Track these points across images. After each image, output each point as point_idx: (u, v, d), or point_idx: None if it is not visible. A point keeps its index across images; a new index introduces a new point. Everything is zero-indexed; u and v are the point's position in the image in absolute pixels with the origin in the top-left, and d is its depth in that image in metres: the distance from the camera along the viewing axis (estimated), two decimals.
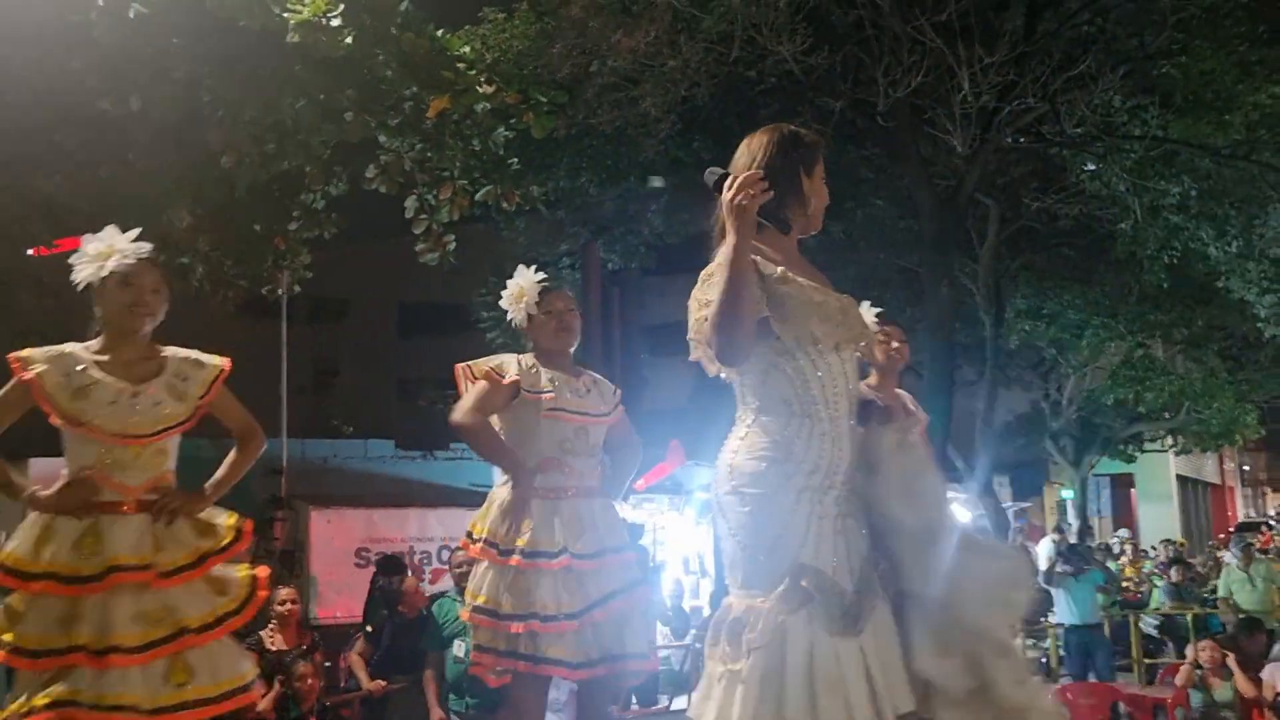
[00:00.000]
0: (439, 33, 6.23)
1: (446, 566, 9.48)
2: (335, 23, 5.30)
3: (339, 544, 9.67)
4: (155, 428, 3.00)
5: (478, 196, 6.87)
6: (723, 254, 2.32)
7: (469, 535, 3.68)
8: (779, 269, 2.40)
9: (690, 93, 9.96)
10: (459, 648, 6.01)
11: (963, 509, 14.83)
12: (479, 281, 14.44)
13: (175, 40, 5.64)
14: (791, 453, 2.36)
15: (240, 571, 3.10)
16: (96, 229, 3.12)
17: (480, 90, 6.12)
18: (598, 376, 3.86)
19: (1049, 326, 16.62)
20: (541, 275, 3.90)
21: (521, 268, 3.94)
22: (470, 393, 3.65)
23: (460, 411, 3.61)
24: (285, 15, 5.30)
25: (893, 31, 9.71)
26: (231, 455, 3.28)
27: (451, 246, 6.91)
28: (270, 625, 6.89)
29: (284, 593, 6.94)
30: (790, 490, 2.34)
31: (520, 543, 3.51)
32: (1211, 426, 20.14)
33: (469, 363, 3.77)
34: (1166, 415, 20.02)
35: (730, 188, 2.32)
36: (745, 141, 2.55)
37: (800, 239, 2.57)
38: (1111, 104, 10.62)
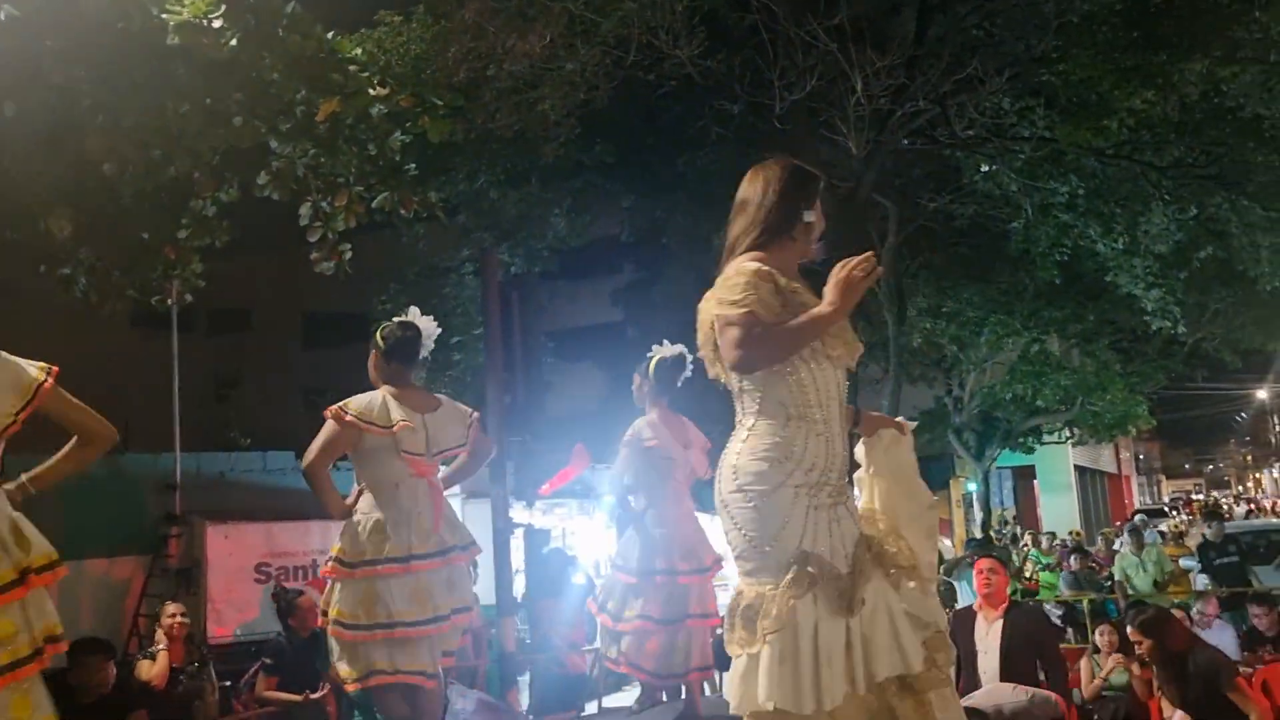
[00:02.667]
0: (329, 35, 6.12)
1: None
2: (217, 24, 5.18)
3: (237, 560, 9.43)
4: None
5: (374, 203, 6.75)
6: (816, 311, 2.61)
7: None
8: (795, 284, 2.72)
9: (589, 96, 9.96)
10: None
11: None
12: (380, 288, 14.26)
13: (49, 43, 5.45)
14: (790, 453, 2.63)
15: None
16: None
17: (372, 93, 6.02)
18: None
19: (949, 324, 17.01)
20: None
21: (422, 317, 4.31)
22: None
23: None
24: (164, 17, 5.16)
25: (786, 35, 9.84)
26: (67, 446, 3.06)
27: (348, 255, 6.76)
28: (160, 645, 6.70)
29: (171, 607, 6.77)
30: (789, 487, 2.61)
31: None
32: (1106, 418, 20.83)
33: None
34: (1063, 408, 20.62)
35: (846, 265, 2.63)
36: (753, 171, 2.87)
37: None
38: (1001, 106, 10.91)
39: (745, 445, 2.68)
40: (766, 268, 2.67)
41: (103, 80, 5.60)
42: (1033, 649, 5.78)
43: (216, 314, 22.86)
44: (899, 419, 3.17)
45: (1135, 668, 6.74)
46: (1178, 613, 7.94)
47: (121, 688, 6.13)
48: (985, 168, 12.40)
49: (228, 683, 7.08)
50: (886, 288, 13.77)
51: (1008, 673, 5.62)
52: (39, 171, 5.94)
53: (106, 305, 7.35)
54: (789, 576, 2.57)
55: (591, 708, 8.24)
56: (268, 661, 6.49)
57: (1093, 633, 8.45)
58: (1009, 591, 6.33)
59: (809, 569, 2.58)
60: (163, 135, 5.99)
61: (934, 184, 13.63)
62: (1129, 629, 6.24)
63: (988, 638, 5.94)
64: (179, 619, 6.65)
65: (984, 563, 6.30)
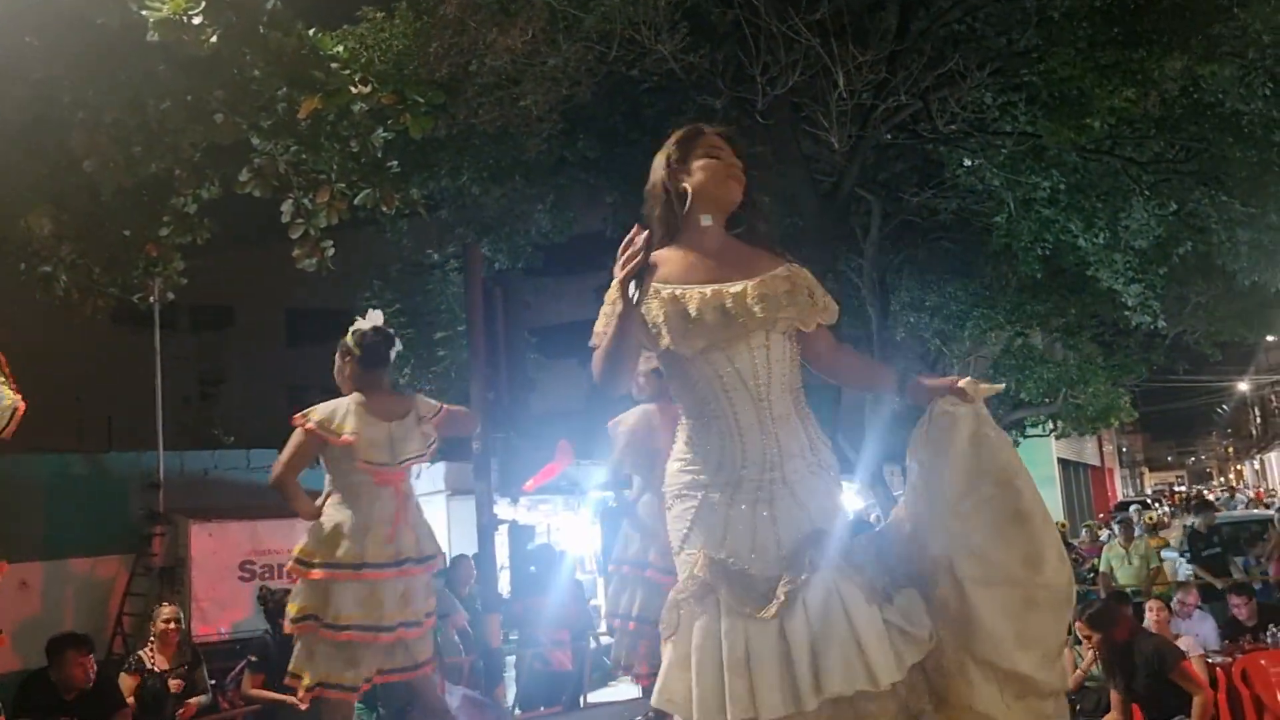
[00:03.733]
0: (310, 31, 6.10)
1: None
2: (197, 20, 5.15)
3: (222, 558, 9.40)
4: None
5: (356, 200, 6.74)
6: (612, 319, 2.47)
7: None
8: (667, 289, 2.52)
9: (572, 91, 9.94)
10: None
11: (854, 498, 15.16)
12: (363, 285, 14.24)
13: (28, 39, 5.42)
14: (699, 454, 2.52)
15: None
16: None
17: (353, 90, 6.01)
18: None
19: (933, 318, 17.04)
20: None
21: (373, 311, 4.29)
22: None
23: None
24: (144, 13, 5.13)
25: (769, 30, 9.84)
26: None
27: (330, 252, 6.76)
28: (150, 644, 6.70)
29: (166, 611, 6.75)
30: (697, 489, 2.50)
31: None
32: (1089, 410, 20.90)
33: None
34: (1046, 401, 20.67)
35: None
36: None
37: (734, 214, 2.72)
38: (983, 101, 10.93)
39: (674, 449, 2.62)
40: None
41: (82, 77, 5.57)
42: None
43: (199, 312, 22.78)
44: (962, 380, 2.65)
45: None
46: (1155, 603, 8.02)
47: (104, 684, 6.11)
48: (968, 162, 12.42)
49: (213, 681, 7.07)
50: (870, 282, 13.81)
51: None
52: (19, 169, 5.91)
53: (88, 304, 7.32)
54: (681, 579, 2.49)
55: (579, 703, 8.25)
56: (253, 659, 6.47)
57: (1074, 624, 8.52)
58: None
59: (701, 573, 2.43)
60: (143, 132, 5.97)
61: (917, 179, 13.65)
62: (1077, 624, 6.31)
63: None
64: (173, 624, 6.65)
65: None
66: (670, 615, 2.49)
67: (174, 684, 6.38)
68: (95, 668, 6.05)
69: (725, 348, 2.50)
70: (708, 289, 2.50)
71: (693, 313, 2.48)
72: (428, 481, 11.36)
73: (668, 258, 2.58)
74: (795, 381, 2.60)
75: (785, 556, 2.42)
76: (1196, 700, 5.70)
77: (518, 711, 8.04)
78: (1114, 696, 6.08)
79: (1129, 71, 9.32)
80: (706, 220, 2.64)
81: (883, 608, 2.42)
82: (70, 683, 5.75)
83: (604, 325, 2.52)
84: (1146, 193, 11.56)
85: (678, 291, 2.51)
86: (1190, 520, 19.79)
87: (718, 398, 2.51)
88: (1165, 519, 27.72)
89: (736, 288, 2.50)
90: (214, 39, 5.24)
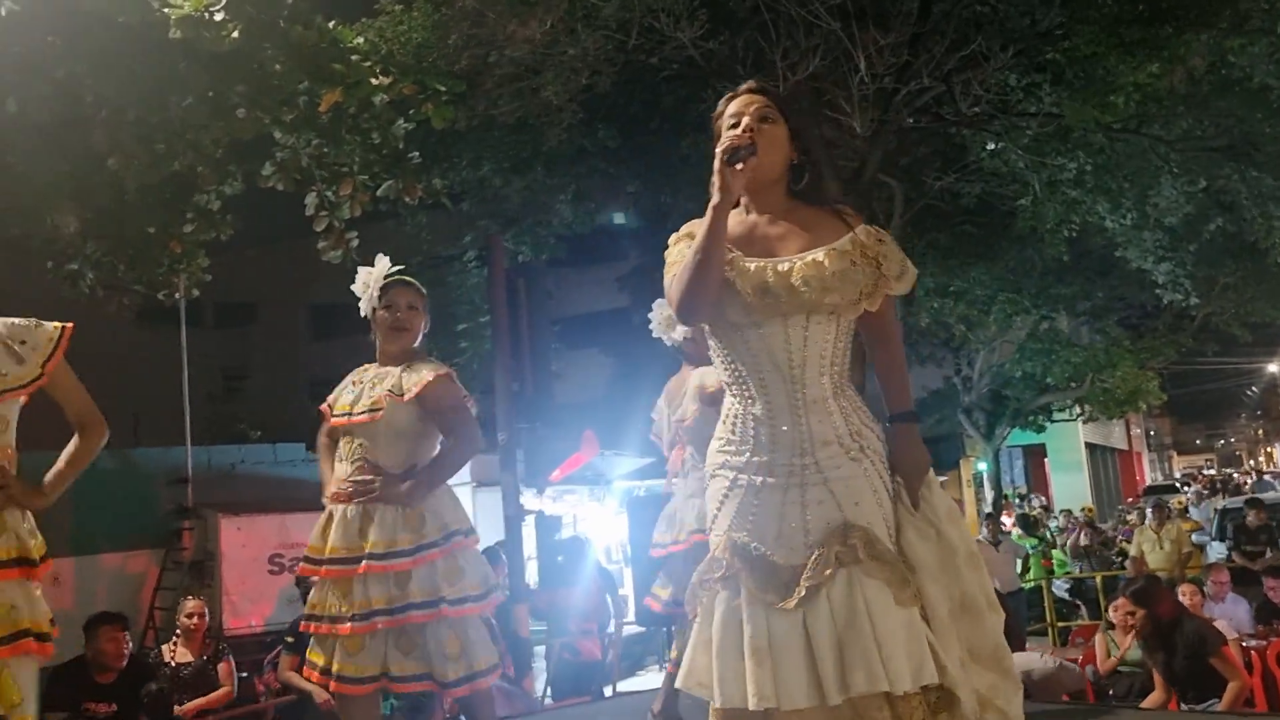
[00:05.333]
0: (330, 24, 6.11)
1: None
2: (219, 17, 5.16)
3: (251, 551, 9.45)
4: None
5: (379, 192, 6.75)
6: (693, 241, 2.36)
7: None
8: (762, 218, 2.45)
9: (591, 81, 9.91)
10: None
11: None
12: None
13: (51, 39, 5.44)
14: (732, 432, 2.43)
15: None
16: None
17: (374, 82, 6.01)
18: (423, 364, 3.53)
19: (957, 303, 16.93)
20: (394, 268, 3.64)
21: (379, 256, 3.68)
22: None
23: None
24: (166, 10, 5.14)
25: (789, 15, 9.77)
26: (71, 446, 2.92)
27: (355, 244, 6.78)
28: (175, 638, 6.75)
29: (191, 605, 6.79)
30: (730, 470, 2.41)
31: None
32: (1116, 394, 20.76)
33: None
34: (1073, 385, 20.55)
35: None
36: None
37: (772, 186, 2.48)
38: (1006, 83, 10.82)
39: (716, 428, 2.52)
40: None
41: (105, 75, 5.59)
42: None
43: (223, 308, 22.94)
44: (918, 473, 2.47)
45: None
46: (1189, 587, 7.94)
47: (137, 665, 6.16)
48: (991, 145, 12.30)
49: (245, 674, 7.11)
50: None
51: None
52: (43, 167, 5.94)
53: (113, 301, 7.38)
54: (705, 561, 2.43)
55: (607, 692, 8.26)
56: (289, 640, 6.46)
57: (1106, 609, 8.44)
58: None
59: (723, 555, 2.37)
60: (166, 129, 5.99)
61: (940, 162, 13.53)
62: (1120, 599, 6.25)
63: None
64: (196, 618, 6.69)
65: None
66: (693, 596, 2.45)
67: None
68: (130, 645, 6.10)
69: (762, 325, 2.37)
70: (754, 264, 2.37)
71: (737, 285, 2.35)
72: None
73: (731, 220, 2.43)
74: (838, 362, 2.42)
75: (811, 546, 2.31)
76: (1232, 686, 5.64)
77: (548, 701, 8.05)
78: (1157, 676, 6.03)
79: (1154, 48, 9.20)
80: (744, 199, 2.48)
81: (912, 612, 2.30)
82: (104, 659, 5.79)
83: (676, 258, 2.43)
84: (1175, 170, 11.43)
85: (738, 256, 2.39)
86: (1220, 503, 19.63)
87: (751, 376, 2.40)
88: (1191, 501, 27.47)
89: (785, 265, 2.35)
90: (235, 35, 5.25)
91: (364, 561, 3.32)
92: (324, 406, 3.62)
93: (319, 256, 6.68)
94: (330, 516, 3.44)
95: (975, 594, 2.45)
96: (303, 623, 3.48)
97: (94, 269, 6.95)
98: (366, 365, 3.64)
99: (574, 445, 9.92)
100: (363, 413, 3.44)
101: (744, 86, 2.51)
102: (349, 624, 3.31)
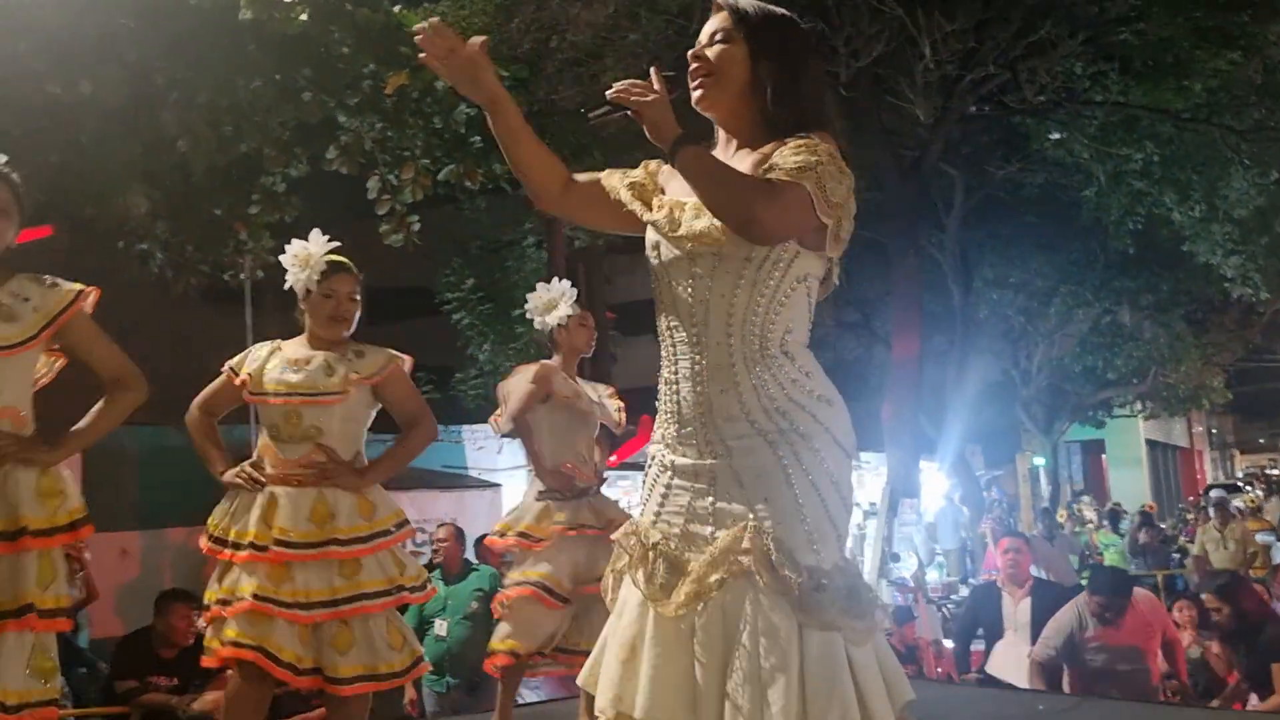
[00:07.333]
0: (395, 8, 6.16)
1: (420, 549, 9.42)
2: None
3: None
4: None
5: (440, 176, 6.81)
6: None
7: None
8: (665, 197, 2.10)
9: (652, 66, 9.87)
10: (440, 626, 6.01)
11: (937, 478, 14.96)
12: (444, 263, 14.38)
13: (124, 22, 5.55)
14: (659, 400, 2.07)
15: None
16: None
17: None
18: (369, 349, 3.39)
19: (1017, 294, 16.74)
20: (331, 245, 3.44)
21: (315, 233, 3.46)
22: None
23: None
24: None
25: (853, 1, 9.68)
26: (99, 405, 2.77)
27: (416, 227, 6.85)
28: None
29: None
30: (654, 444, 2.09)
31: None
32: (1179, 391, 20.39)
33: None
34: (1135, 381, 20.22)
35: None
36: None
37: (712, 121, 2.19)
38: (1073, 70, 10.64)
39: None
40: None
41: (176, 58, 5.68)
42: None
43: (282, 290, 23.24)
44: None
45: (1215, 645, 6.62)
46: (1257, 588, 7.77)
47: (200, 642, 6.25)
48: (1055, 134, 12.12)
49: None
50: (952, 258, 13.57)
51: None
52: (116, 150, 6.06)
53: (181, 281, 7.51)
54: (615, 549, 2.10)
55: None
56: None
57: (1169, 609, 8.29)
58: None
59: (625, 539, 2.06)
60: (234, 111, 6.08)
61: (1002, 151, 13.36)
62: (1205, 596, 6.13)
63: (1015, 615, 5.90)
64: None
65: (1007, 541, 6.25)
66: (605, 587, 2.14)
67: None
68: (198, 624, 6.20)
69: (670, 271, 2.01)
70: (667, 199, 2.05)
71: (649, 234, 2.06)
72: (509, 457, 11.43)
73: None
74: (756, 322, 1.95)
75: (682, 535, 1.97)
76: None
77: None
78: (1232, 675, 5.92)
79: (1230, 35, 8.99)
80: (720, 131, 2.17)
81: (808, 636, 1.86)
82: (171, 636, 5.88)
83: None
84: (1246, 161, 11.19)
85: (660, 204, 2.07)
86: None
87: (666, 333, 2.04)
88: (1259, 501, 26.89)
89: (691, 200, 1.99)
90: (303, 17, 5.32)
91: (328, 547, 3.14)
92: (239, 378, 3.34)
93: (376, 239, 6.75)
94: (272, 498, 3.20)
95: None
96: (215, 607, 3.21)
97: (163, 250, 7.08)
98: (280, 340, 3.44)
99: (631, 430, 9.91)
100: (320, 394, 3.26)
101: (714, 3, 2.13)
102: (290, 611, 3.11)
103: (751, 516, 1.90)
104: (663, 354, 2.05)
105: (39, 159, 6.01)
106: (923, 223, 12.48)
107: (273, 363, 3.35)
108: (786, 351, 1.98)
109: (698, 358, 1.97)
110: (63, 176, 6.13)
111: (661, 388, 2.04)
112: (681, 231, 1.96)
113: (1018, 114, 11.67)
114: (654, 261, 2.05)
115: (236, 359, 3.42)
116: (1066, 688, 5.53)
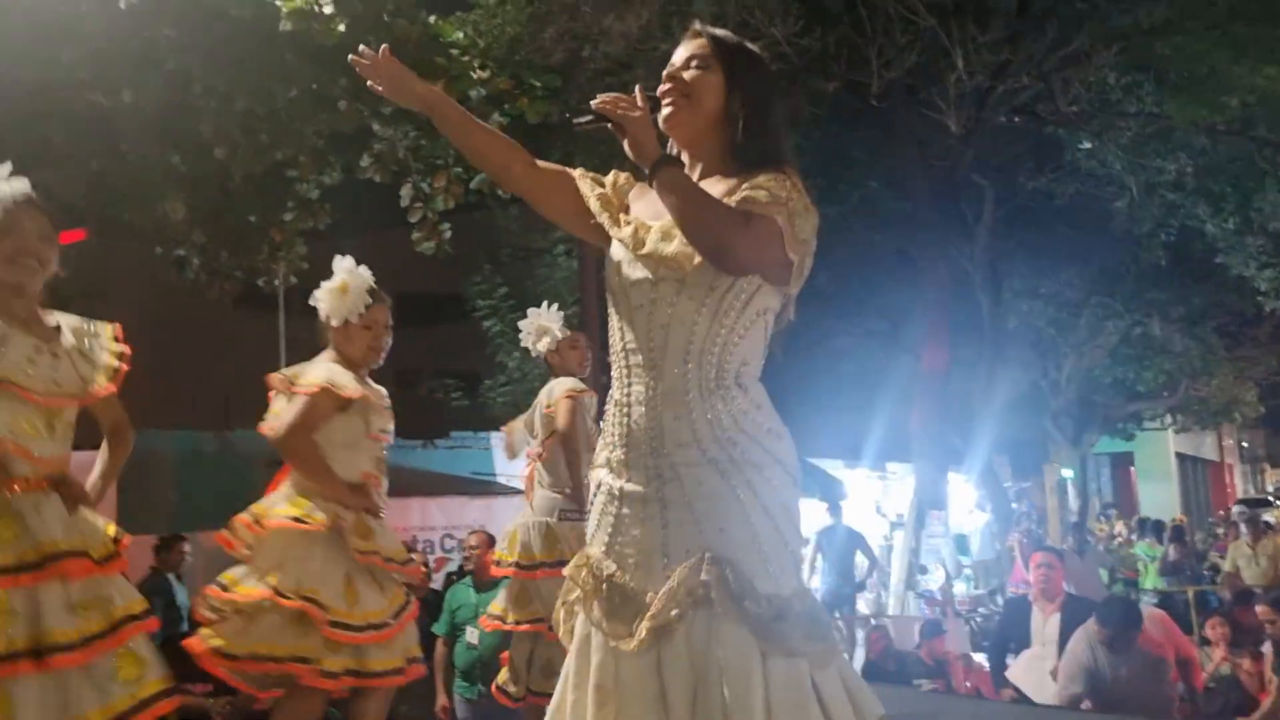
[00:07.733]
0: (431, 19, 6.21)
1: (449, 555, 9.47)
2: (328, 10, 5.29)
3: None
4: (84, 389, 2.58)
5: (472, 184, 6.86)
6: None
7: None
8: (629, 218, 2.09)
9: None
10: (471, 634, 6.02)
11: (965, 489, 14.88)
12: (475, 270, 14.43)
13: (166, 31, 5.62)
14: (606, 422, 2.08)
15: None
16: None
17: (474, 76, 6.10)
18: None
19: (1047, 305, 16.63)
20: (368, 276, 3.52)
21: (349, 260, 3.53)
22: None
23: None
24: (277, 3, 5.29)
25: (885, 11, 9.67)
26: (107, 454, 2.80)
27: (447, 235, 6.91)
28: None
29: None
30: (599, 468, 2.08)
31: None
32: (1210, 404, 20.19)
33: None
34: (1165, 393, 20.04)
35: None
36: None
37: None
38: (1106, 81, 10.60)
39: None
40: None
41: (215, 67, 5.75)
42: None
43: (309, 295, 23.38)
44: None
45: (1246, 662, 6.57)
46: None
47: None
48: (1087, 145, 12.06)
49: None
50: (981, 268, 13.49)
51: None
52: (155, 156, 6.14)
53: (215, 286, 7.59)
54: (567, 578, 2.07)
55: None
56: None
57: (1200, 626, 8.21)
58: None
59: (574, 573, 2.03)
60: (271, 120, 6.16)
61: (1034, 162, 13.30)
62: (1259, 608, 6.08)
63: (1045, 630, 5.86)
64: None
65: (1039, 556, 6.21)
66: (556, 621, 2.10)
67: None
68: None
69: (630, 295, 2.01)
70: (631, 223, 2.04)
71: (612, 250, 2.07)
72: None
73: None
74: (714, 351, 1.95)
75: (668, 576, 1.89)
76: None
77: None
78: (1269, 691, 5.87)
79: (1267, 48, 8.92)
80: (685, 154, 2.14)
81: (772, 665, 1.85)
82: None
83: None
84: None
85: (627, 221, 2.06)
86: None
87: (620, 355, 2.03)
88: None
89: (657, 224, 1.99)
90: (341, 28, 5.38)
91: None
92: (354, 394, 3.37)
93: (408, 245, 6.81)
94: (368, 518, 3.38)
95: None
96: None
97: (199, 255, 7.16)
98: (334, 362, 3.46)
99: None
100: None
101: (691, 29, 2.15)
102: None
103: (705, 547, 1.88)
104: (613, 375, 2.05)
105: (80, 165, 6.11)
106: (953, 233, 12.44)
107: (335, 374, 3.40)
108: (740, 383, 1.98)
109: (652, 382, 1.97)
110: (103, 182, 6.23)
111: (610, 409, 2.04)
112: (647, 251, 1.97)
113: (1050, 124, 11.62)
114: (614, 279, 2.06)
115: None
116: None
